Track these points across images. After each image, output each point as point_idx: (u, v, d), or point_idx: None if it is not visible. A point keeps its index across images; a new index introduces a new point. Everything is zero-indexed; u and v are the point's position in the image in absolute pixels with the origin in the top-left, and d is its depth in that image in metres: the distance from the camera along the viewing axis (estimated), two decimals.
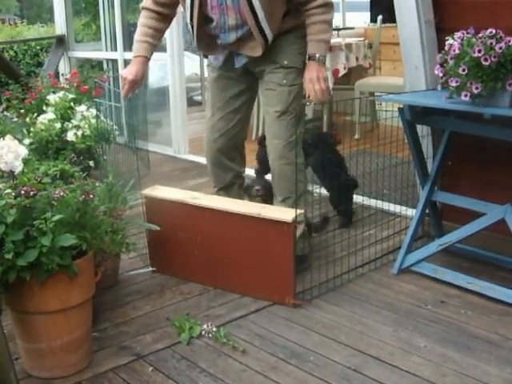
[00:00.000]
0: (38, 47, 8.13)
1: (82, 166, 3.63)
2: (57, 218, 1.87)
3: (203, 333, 2.25)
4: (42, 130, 3.91)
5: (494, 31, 2.16)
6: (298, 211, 2.39)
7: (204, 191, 2.86)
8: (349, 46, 5.34)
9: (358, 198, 3.46)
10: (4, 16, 19.20)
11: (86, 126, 3.94)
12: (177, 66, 4.76)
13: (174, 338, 2.24)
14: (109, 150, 3.90)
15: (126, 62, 4.90)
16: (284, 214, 2.41)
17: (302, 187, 2.71)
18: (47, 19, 13.70)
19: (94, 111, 3.97)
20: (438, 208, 2.93)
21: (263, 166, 3.59)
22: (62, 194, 1.95)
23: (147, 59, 2.63)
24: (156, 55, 2.75)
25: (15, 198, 1.91)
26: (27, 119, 4.11)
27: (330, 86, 4.19)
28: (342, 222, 3.26)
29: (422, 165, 2.77)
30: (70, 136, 3.89)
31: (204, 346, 2.20)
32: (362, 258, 2.85)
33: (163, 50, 4.66)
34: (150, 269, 2.76)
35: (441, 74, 2.32)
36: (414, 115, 2.59)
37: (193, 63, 7.01)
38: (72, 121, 4.00)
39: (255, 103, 3.10)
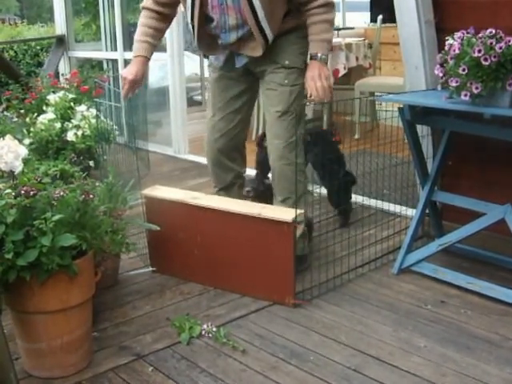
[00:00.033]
0: (38, 47, 8.14)
1: (81, 166, 3.63)
2: (57, 217, 1.87)
3: (203, 333, 2.25)
4: (42, 129, 3.91)
5: (493, 31, 2.16)
6: (298, 211, 2.39)
7: (204, 191, 2.86)
8: (349, 46, 5.34)
9: (357, 198, 3.47)
10: (4, 16, 19.19)
11: (86, 125, 3.94)
12: (177, 66, 4.76)
13: (174, 337, 2.24)
14: (109, 150, 3.90)
15: (126, 62, 4.90)
16: (284, 213, 2.41)
17: (302, 187, 2.71)
18: (47, 19, 13.71)
19: (94, 111, 3.97)
20: (438, 208, 2.93)
21: (263, 168, 3.59)
22: (61, 193, 1.95)
23: (147, 59, 2.63)
24: (156, 55, 2.75)
25: (15, 197, 1.91)
26: (27, 119, 4.11)
27: None
28: (342, 221, 3.26)
29: (422, 165, 2.77)
30: (70, 136, 3.89)
31: (204, 345, 2.20)
32: (362, 257, 2.85)
33: (163, 49, 4.66)
34: (150, 269, 2.76)
35: (441, 74, 2.32)
36: (414, 115, 2.59)
37: (193, 63, 7.02)
38: (72, 121, 4.00)
39: (255, 104, 3.10)
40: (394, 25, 3.05)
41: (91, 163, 3.88)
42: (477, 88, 2.16)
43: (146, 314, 2.43)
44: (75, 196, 2.01)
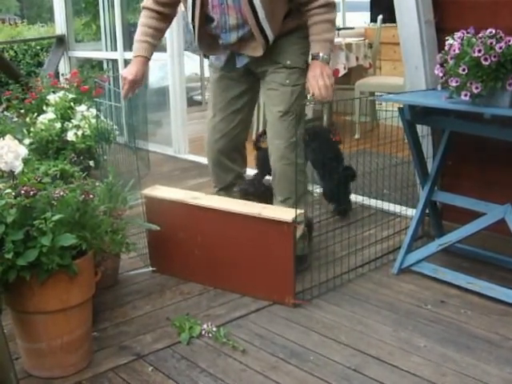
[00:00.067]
0: (38, 47, 8.14)
1: (82, 166, 3.63)
2: (57, 217, 1.87)
3: (203, 333, 2.25)
4: (42, 129, 3.91)
5: (493, 31, 2.16)
6: (298, 211, 2.39)
7: (204, 191, 2.86)
8: (349, 46, 5.34)
9: (357, 198, 3.47)
10: (4, 16, 19.19)
11: (86, 125, 3.94)
12: (177, 66, 4.76)
13: (173, 337, 2.24)
14: (109, 150, 3.90)
15: (126, 62, 4.90)
16: (284, 213, 2.41)
17: (303, 188, 2.71)
18: (47, 19, 13.71)
19: (94, 111, 3.97)
20: (438, 208, 2.93)
21: (262, 168, 3.60)
22: (61, 193, 1.95)
23: (147, 59, 2.63)
24: (156, 55, 2.75)
25: (15, 197, 1.91)
26: (27, 119, 4.12)
27: None
28: (342, 213, 3.31)
29: (422, 165, 2.77)
30: (70, 136, 3.89)
31: (204, 345, 2.20)
32: (362, 257, 2.85)
33: (163, 49, 4.66)
34: (150, 269, 2.76)
35: (441, 74, 2.32)
36: (414, 115, 2.59)
37: (193, 63, 7.02)
38: (72, 121, 4.00)
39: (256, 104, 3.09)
40: (394, 25, 3.06)
41: (91, 163, 3.88)
42: (477, 88, 2.16)
43: (146, 313, 2.43)
44: (75, 196, 2.01)
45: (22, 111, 4.28)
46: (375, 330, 2.27)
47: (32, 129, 3.96)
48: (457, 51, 2.22)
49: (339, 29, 6.39)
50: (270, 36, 2.47)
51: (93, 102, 4.05)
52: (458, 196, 2.70)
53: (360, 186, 3.57)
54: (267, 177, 3.67)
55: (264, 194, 2.81)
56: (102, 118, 3.86)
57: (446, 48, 2.29)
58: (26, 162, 2.42)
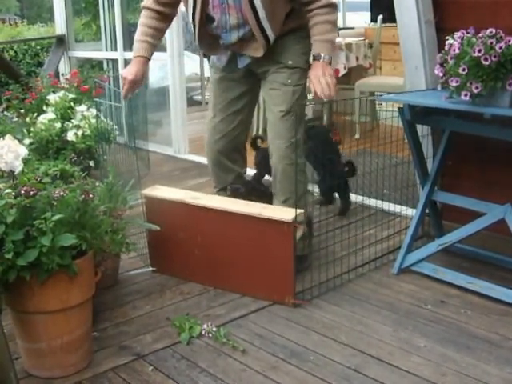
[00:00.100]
0: (38, 47, 8.14)
1: (82, 166, 3.63)
2: (57, 217, 1.87)
3: (203, 332, 2.25)
4: (42, 129, 3.91)
5: (494, 31, 2.16)
6: (298, 211, 2.39)
7: (204, 191, 2.86)
8: (349, 46, 5.34)
9: (357, 198, 3.47)
10: (4, 16, 19.19)
11: (86, 125, 3.94)
12: (177, 66, 4.76)
13: (173, 337, 2.24)
14: (109, 150, 3.90)
15: (126, 62, 4.90)
16: (284, 213, 2.41)
17: (304, 188, 2.71)
18: (47, 19, 13.71)
19: (94, 111, 3.97)
20: (438, 208, 2.93)
21: (260, 169, 3.60)
22: (61, 193, 1.95)
23: (147, 59, 2.63)
24: (156, 55, 2.74)
25: (15, 197, 1.91)
26: (27, 119, 4.12)
27: None
28: (341, 209, 3.36)
29: (421, 165, 2.77)
30: (70, 136, 3.89)
31: (204, 345, 2.20)
32: (362, 257, 2.85)
33: (163, 49, 4.66)
34: (150, 269, 2.76)
35: (441, 74, 2.32)
36: (414, 115, 2.59)
37: (193, 63, 7.02)
38: (72, 121, 4.00)
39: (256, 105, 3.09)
40: (394, 25, 3.05)
41: (91, 163, 3.88)
42: (477, 88, 2.16)
43: (146, 313, 2.43)
44: (75, 196, 2.01)
45: (22, 111, 4.28)
46: (375, 330, 2.27)
47: (32, 129, 3.96)
48: (457, 51, 2.22)
49: (339, 29, 6.39)
50: (271, 36, 2.46)
51: (93, 102, 4.06)
52: (458, 196, 2.70)
53: (360, 186, 3.57)
54: (266, 177, 3.69)
55: (255, 194, 2.79)
56: (102, 118, 3.86)
57: (446, 48, 2.29)
58: (25, 162, 2.42)
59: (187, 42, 6.27)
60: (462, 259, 2.77)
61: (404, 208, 3.17)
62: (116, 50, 5.28)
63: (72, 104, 4.11)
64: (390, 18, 4.10)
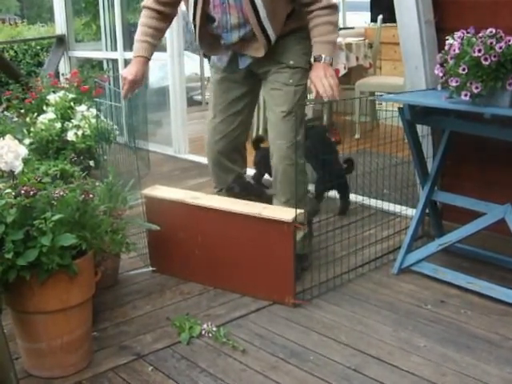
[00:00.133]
0: (39, 47, 8.14)
1: (82, 166, 3.63)
2: (57, 217, 1.87)
3: (203, 332, 2.25)
4: (42, 129, 3.91)
5: (494, 31, 2.16)
6: (298, 211, 2.39)
7: (204, 191, 2.86)
8: (349, 46, 5.34)
9: (357, 198, 3.47)
10: (4, 16, 19.19)
11: (86, 125, 3.94)
12: (177, 66, 4.76)
13: (173, 337, 2.24)
14: (109, 150, 3.90)
15: (127, 62, 4.90)
16: (284, 213, 2.41)
17: (304, 188, 2.71)
18: (47, 19, 13.71)
19: (94, 111, 3.97)
20: (438, 208, 2.93)
21: (260, 168, 3.60)
22: (61, 193, 1.95)
23: (147, 59, 2.63)
24: (156, 55, 2.74)
25: (15, 197, 1.91)
26: (27, 119, 4.12)
27: None
28: (341, 208, 3.39)
29: (421, 164, 2.77)
30: (70, 136, 3.89)
31: (204, 345, 2.20)
32: (362, 257, 2.85)
33: (163, 49, 4.66)
34: (150, 268, 2.76)
35: (441, 74, 2.32)
36: (414, 115, 2.59)
37: (193, 63, 7.02)
38: (72, 120, 4.00)
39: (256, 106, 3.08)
40: (395, 25, 3.05)
41: (91, 163, 3.88)
42: (477, 88, 2.16)
43: (146, 313, 2.43)
44: (75, 196, 2.01)
45: (22, 111, 4.28)
46: (375, 330, 2.27)
47: (32, 129, 3.96)
48: (457, 51, 2.22)
49: (339, 29, 6.38)
50: (272, 36, 2.46)
51: (93, 102, 4.05)
52: (458, 196, 2.70)
53: (360, 186, 3.57)
54: (266, 176, 3.69)
55: (250, 193, 2.79)
56: (102, 117, 3.86)
57: (446, 48, 2.29)
58: (25, 161, 2.42)
59: (187, 42, 6.28)
60: (462, 259, 2.77)
61: (404, 208, 3.17)
62: (116, 49, 5.28)
63: (72, 104, 4.11)
64: (390, 17, 4.09)
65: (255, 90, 2.78)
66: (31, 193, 1.89)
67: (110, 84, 4.61)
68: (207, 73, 6.49)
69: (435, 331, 2.25)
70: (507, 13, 2.50)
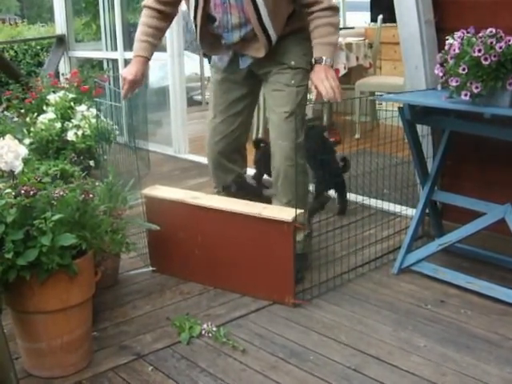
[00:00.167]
0: (39, 47, 8.14)
1: (82, 166, 3.63)
2: (57, 217, 1.87)
3: (203, 332, 2.25)
4: (42, 129, 3.91)
5: (494, 30, 2.16)
6: (298, 211, 2.39)
7: (204, 191, 2.86)
8: (349, 46, 5.34)
9: (358, 198, 3.47)
10: (4, 16, 19.20)
11: (87, 125, 3.94)
12: (177, 66, 4.76)
13: (173, 337, 2.24)
14: (109, 150, 3.90)
15: (127, 62, 4.90)
16: (284, 213, 2.41)
17: (306, 189, 2.71)
18: (47, 19, 13.72)
19: (94, 111, 3.97)
20: (438, 208, 2.93)
21: (260, 168, 3.60)
22: (61, 193, 1.95)
23: (147, 59, 2.63)
24: (156, 55, 2.74)
25: (15, 197, 1.91)
26: (27, 119, 4.12)
27: None
28: (340, 209, 3.40)
29: (421, 164, 2.77)
30: (71, 136, 3.89)
31: (204, 345, 2.20)
32: (362, 257, 2.85)
33: (163, 49, 4.66)
34: (150, 268, 2.76)
35: (441, 74, 2.32)
36: (414, 115, 2.59)
37: (193, 63, 7.02)
38: (72, 120, 4.00)
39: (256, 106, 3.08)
40: (395, 24, 3.05)
41: (91, 163, 3.88)
42: (477, 87, 2.16)
43: (146, 313, 2.43)
44: (75, 196, 2.01)
45: (22, 111, 4.28)
46: (375, 330, 2.27)
47: (32, 129, 3.96)
48: (457, 51, 2.22)
49: (339, 28, 6.39)
50: (273, 36, 2.46)
51: (93, 102, 4.06)
52: (458, 196, 2.71)
53: (360, 186, 3.57)
54: (265, 176, 3.69)
55: (246, 192, 2.79)
56: (102, 117, 3.86)
57: (446, 48, 2.29)
58: (25, 161, 2.41)
59: (187, 42, 6.28)
60: (462, 259, 2.77)
61: (404, 208, 3.17)
62: (116, 49, 5.28)
63: (72, 104, 4.11)
64: (390, 17, 4.10)
65: (255, 91, 2.78)
66: (31, 193, 1.89)
67: (109, 84, 4.61)
68: (207, 73, 6.49)
69: (435, 331, 2.25)
70: (507, 13, 2.50)
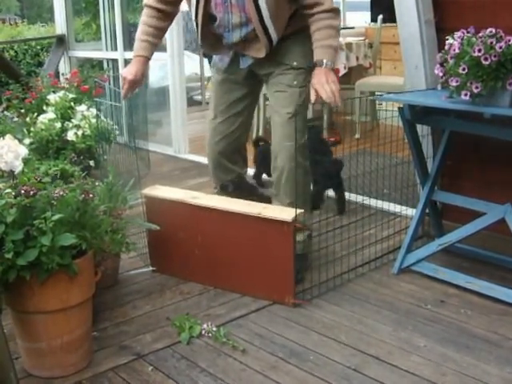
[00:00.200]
0: (39, 47, 8.14)
1: (82, 166, 3.63)
2: (57, 217, 1.87)
3: (203, 332, 2.25)
4: (42, 129, 3.91)
5: (494, 30, 2.16)
6: (298, 211, 2.38)
7: (204, 191, 2.86)
8: (349, 46, 5.34)
9: (358, 198, 3.47)
10: (4, 16, 19.20)
11: (87, 125, 3.94)
12: (177, 66, 4.76)
13: (173, 337, 2.24)
14: (109, 150, 3.90)
15: (127, 62, 4.90)
16: (284, 213, 2.41)
17: (308, 189, 2.71)
18: (47, 19, 13.72)
19: (94, 111, 3.97)
20: (438, 208, 2.93)
21: (260, 167, 3.60)
22: (61, 193, 1.95)
23: (147, 59, 2.62)
24: (156, 55, 2.74)
25: (15, 197, 1.91)
26: (27, 119, 4.12)
27: None
28: (339, 209, 3.39)
29: (421, 164, 2.77)
30: (71, 136, 3.89)
31: (204, 345, 2.20)
32: (362, 257, 2.85)
33: (163, 49, 4.65)
34: (150, 268, 2.76)
35: (441, 74, 2.32)
36: (414, 115, 2.59)
37: (193, 63, 7.02)
38: (72, 120, 4.00)
39: (256, 107, 3.08)
40: (395, 24, 3.05)
41: (91, 163, 3.88)
42: (477, 87, 2.16)
43: (146, 313, 2.43)
44: (75, 195, 2.01)
45: (22, 111, 4.28)
46: (375, 330, 2.27)
47: (32, 128, 3.96)
48: (457, 51, 2.22)
49: (339, 28, 6.38)
50: (274, 36, 2.45)
51: (93, 102, 4.06)
52: (458, 196, 2.70)
53: (360, 186, 3.57)
54: (264, 176, 3.69)
55: (242, 192, 2.78)
56: (102, 117, 3.86)
57: (446, 47, 2.29)
58: (25, 161, 2.42)
59: (187, 42, 6.28)
60: (462, 259, 2.77)
61: (404, 208, 3.17)
62: (116, 49, 5.28)
63: (72, 104, 4.11)
64: (390, 17, 4.10)
65: (256, 92, 2.77)
66: (31, 193, 1.89)
67: (109, 84, 4.61)
68: (207, 73, 6.50)
69: (435, 331, 2.25)
70: (507, 13, 2.50)
